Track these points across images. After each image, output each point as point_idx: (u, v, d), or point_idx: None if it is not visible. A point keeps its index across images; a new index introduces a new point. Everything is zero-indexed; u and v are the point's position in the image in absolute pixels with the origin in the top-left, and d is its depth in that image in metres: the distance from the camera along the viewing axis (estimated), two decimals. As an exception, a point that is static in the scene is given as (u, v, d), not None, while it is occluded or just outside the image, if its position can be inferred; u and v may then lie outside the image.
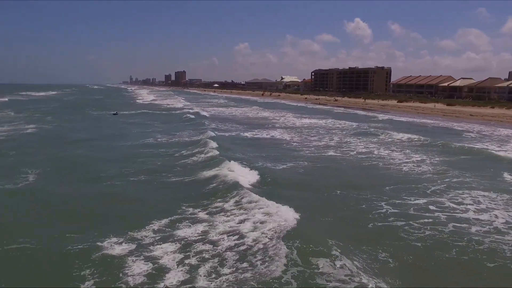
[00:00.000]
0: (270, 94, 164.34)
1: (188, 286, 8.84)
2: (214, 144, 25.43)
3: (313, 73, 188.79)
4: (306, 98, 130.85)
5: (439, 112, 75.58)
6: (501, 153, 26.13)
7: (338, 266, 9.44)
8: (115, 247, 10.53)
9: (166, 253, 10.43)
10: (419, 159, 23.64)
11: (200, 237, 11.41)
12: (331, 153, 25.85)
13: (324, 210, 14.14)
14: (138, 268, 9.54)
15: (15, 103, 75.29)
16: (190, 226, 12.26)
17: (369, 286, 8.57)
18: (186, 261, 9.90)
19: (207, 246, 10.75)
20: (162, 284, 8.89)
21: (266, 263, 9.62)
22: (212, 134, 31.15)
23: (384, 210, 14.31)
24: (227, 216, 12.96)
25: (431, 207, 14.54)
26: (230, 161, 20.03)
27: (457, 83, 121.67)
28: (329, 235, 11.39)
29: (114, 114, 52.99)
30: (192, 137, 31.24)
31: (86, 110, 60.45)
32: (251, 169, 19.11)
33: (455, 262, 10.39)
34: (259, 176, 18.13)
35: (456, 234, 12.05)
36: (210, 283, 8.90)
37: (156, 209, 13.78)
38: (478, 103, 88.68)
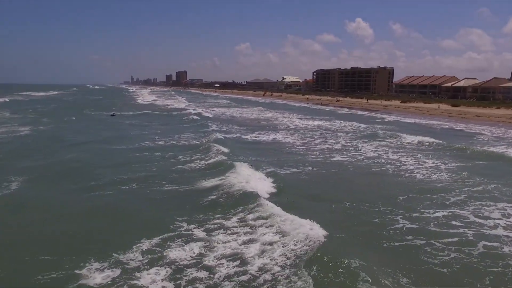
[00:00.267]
0: (272, 94, 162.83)
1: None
2: (219, 148, 24.05)
3: (314, 73, 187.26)
4: (307, 99, 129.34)
5: (444, 113, 73.98)
6: (523, 158, 24.51)
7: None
8: (96, 276, 9.08)
9: (154, 281, 9.00)
10: (432, 164, 22.12)
11: (195, 261, 9.96)
12: (337, 157, 24.36)
13: (331, 227, 12.23)
14: (120, 302, 8.12)
15: (14, 104, 74.13)
16: (183, 246, 10.81)
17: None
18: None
19: (202, 273, 9.30)
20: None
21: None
22: (217, 136, 29.76)
23: (401, 225, 12.84)
24: (228, 235, 11.49)
25: (453, 222, 13.05)
26: (235, 167, 18.60)
27: (461, 83, 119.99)
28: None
29: (111, 115, 51.55)
30: (194, 140, 29.81)
31: (83, 111, 59.01)
32: (257, 176, 17.69)
33: (490, 293, 8.94)
34: (265, 183, 16.72)
35: (488, 256, 10.55)
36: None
37: (147, 225, 12.34)
38: (483, 104, 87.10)
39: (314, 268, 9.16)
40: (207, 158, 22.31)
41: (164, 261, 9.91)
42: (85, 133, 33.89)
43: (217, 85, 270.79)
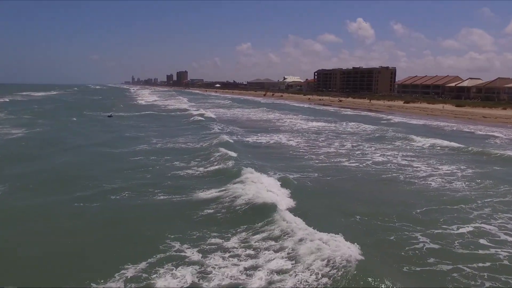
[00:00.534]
0: (273, 94, 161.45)
1: None
2: (223, 152, 22.64)
3: (316, 73, 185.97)
4: (309, 99, 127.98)
5: (449, 114, 72.49)
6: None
7: None
8: (66, 314, 7.62)
9: (138, 319, 7.53)
10: (447, 171, 20.60)
11: (186, 292, 8.50)
12: (345, 163, 22.85)
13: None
14: None
15: (12, 104, 72.87)
16: (174, 271, 9.32)
17: None
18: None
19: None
20: None
21: None
22: (221, 140, 28.35)
23: (421, 244, 11.34)
24: (227, 259, 9.99)
25: (481, 240, 11.55)
26: (239, 174, 17.16)
27: (465, 83, 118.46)
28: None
29: (108, 116, 50.09)
30: (194, 143, 28.34)
31: (81, 112, 57.53)
32: (266, 185, 16.09)
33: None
34: (275, 195, 15.13)
35: (530, 287, 9.07)
36: None
37: (135, 245, 10.88)
38: (488, 104, 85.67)
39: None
40: (208, 164, 20.88)
41: (151, 292, 8.45)
42: (79, 135, 32.40)
43: (218, 85, 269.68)
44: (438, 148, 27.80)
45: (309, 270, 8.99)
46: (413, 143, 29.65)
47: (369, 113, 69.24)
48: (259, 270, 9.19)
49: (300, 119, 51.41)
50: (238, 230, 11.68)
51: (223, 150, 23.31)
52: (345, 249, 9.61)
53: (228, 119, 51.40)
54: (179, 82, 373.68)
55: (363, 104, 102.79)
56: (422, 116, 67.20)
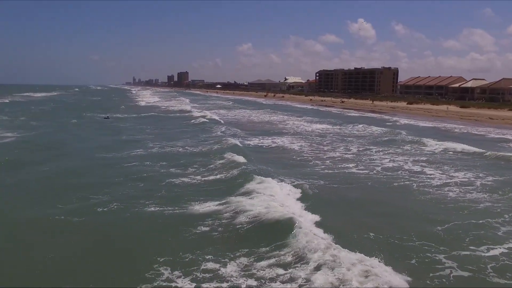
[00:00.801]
0: (274, 95, 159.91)
1: None
2: (228, 157, 21.54)
3: (317, 74, 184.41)
4: (311, 100, 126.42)
5: (455, 115, 70.90)
6: None
7: None
8: None
9: None
10: (464, 178, 19.07)
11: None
12: (352, 169, 21.33)
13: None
14: None
15: (10, 105, 71.71)
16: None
17: None
18: None
19: None
20: None
21: None
22: (225, 143, 27.20)
23: (447, 270, 9.81)
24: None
25: (518, 265, 10.05)
26: (246, 184, 15.84)
27: (469, 84, 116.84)
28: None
29: (105, 118, 48.62)
30: (193, 147, 26.89)
31: (77, 113, 56.10)
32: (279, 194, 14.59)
33: None
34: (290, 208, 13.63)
35: None
36: None
37: (116, 272, 9.39)
38: (493, 105, 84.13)
39: None
40: (209, 170, 19.44)
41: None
42: (73, 140, 30.74)
43: (218, 86, 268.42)
44: (451, 152, 26.23)
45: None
46: (423, 147, 28.09)
47: (373, 115, 67.68)
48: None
49: (304, 121, 49.87)
50: (238, 254, 10.15)
51: (226, 155, 22.07)
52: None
53: (230, 121, 49.92)
54: (180, 83, 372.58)
55: (366, 105, 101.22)
56: (427, 117, 65.60)
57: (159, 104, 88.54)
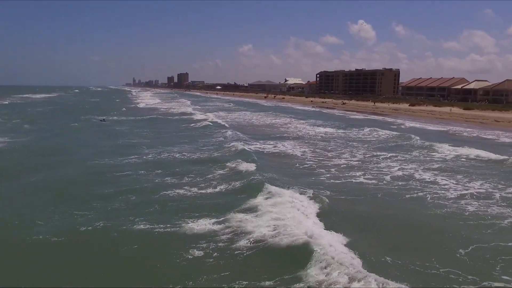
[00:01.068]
0: (274, 96, 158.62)
1: None
2: (231, 164, 20.39)
3: (318, 75, 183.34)
4: (312, 101, 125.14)
5: (459, 118, 69.51)
6: None
7: None
8: None
9: None
10: (481, 189, 17.65)
11: None
12: (360, 178, 19.95)
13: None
14: None
15: (8, 106, 70.66)
16: None
17: None
18: None
19: None
20: None
21: None
22: (228, 147, 26.15)
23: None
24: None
25: None
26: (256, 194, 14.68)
27: (472, 86, 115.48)
28: None
29: (101, 120, 47.25)
30: (191, 153, 25.52)
31: (74, 115, 54.73)
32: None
33: None
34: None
35: None
36: None
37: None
38: (497, 107, 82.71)
39: None
40: (208, 178, 18.07)
41: None
42: (65, 146, 28.92)
43: (218, 87, 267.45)
44: (464, 159, 24.78)
45: None
46: (433, 153, 26.64)
47: (376, 117, 66.24)
48: None
49: (307, 124, 48.49)
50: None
51: (231, 163, 20.95)
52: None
53: (231, 123, 48.58)
54: (180, 84, 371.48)
55: (368, 106, 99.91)
56: (431, 120, 64.23)
57: (160, 106, 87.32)
